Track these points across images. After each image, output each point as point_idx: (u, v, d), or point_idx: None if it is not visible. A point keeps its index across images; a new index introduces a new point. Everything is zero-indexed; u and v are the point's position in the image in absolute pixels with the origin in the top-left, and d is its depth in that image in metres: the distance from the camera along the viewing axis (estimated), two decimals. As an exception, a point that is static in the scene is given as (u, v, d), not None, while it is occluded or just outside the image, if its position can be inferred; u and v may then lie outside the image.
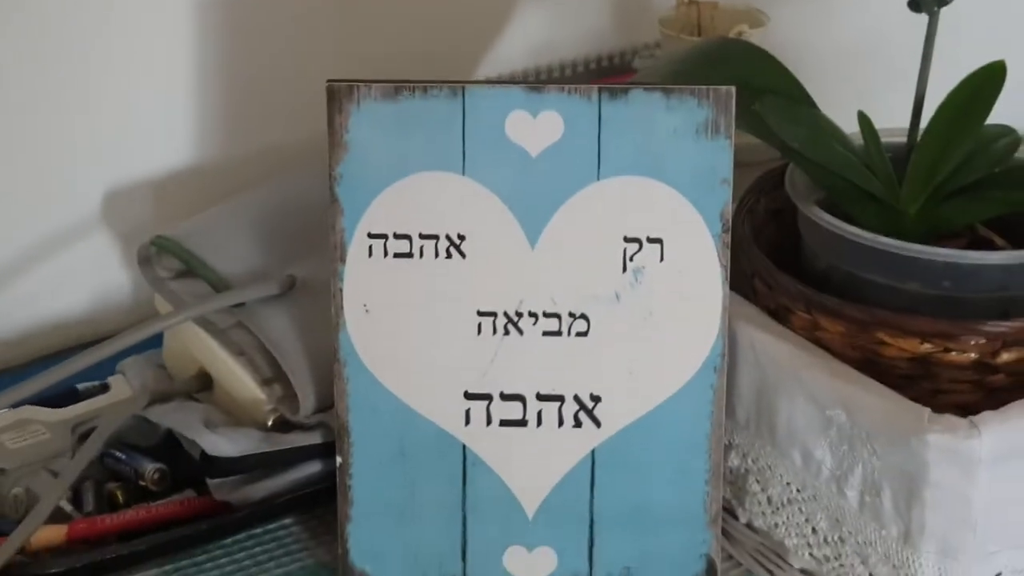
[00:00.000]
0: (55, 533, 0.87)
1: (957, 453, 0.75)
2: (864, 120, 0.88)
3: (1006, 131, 0.91)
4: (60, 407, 0.97)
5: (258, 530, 0.92)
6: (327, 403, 0.90)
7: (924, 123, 0.89)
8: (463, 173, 0.84)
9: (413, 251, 0.84)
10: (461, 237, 0.84)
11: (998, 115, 0.88)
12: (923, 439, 0.76)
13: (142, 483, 0.91)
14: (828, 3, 1.25)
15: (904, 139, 0.90)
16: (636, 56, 1.19)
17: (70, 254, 1.08)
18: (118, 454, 0.93)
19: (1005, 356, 0.82)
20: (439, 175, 0.84)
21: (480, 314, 0.85)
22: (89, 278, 1.09)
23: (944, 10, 0.87)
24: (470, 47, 1.17)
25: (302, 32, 1.11)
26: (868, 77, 1.17)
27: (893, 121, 0.91)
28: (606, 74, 1.20)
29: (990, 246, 0.88)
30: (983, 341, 0.81)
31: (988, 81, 0.86)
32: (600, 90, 0.83)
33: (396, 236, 0.84)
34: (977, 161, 0.89)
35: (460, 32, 1.16)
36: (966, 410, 0.77)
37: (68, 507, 0.90)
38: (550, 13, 1.17)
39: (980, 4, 1.20)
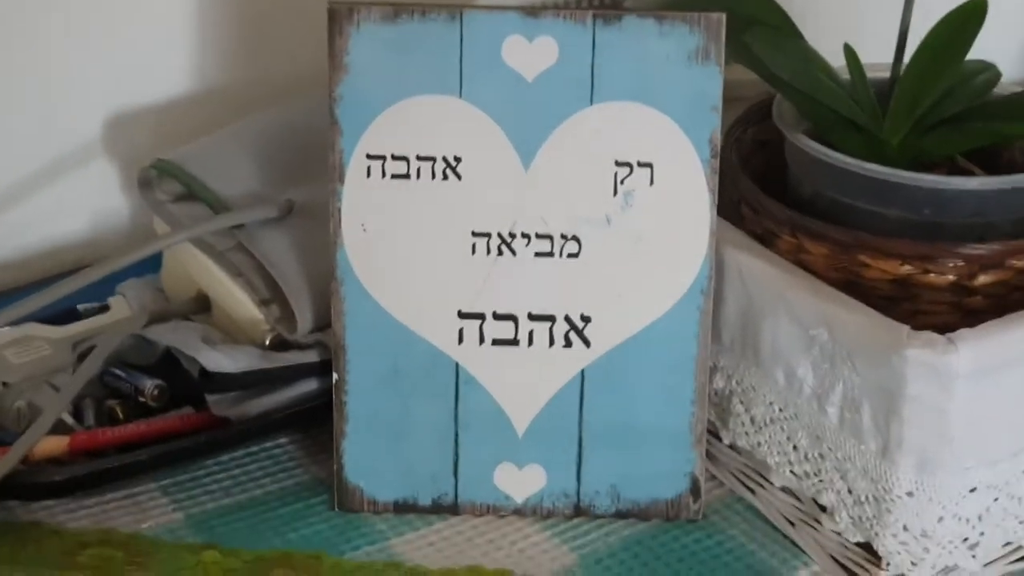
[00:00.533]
0: (57, 444, 0.89)
1: (935, 368, 0.78)
2: (850, 53, 0.91)
3: (985, 67, 0.93)
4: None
5: (254, 448, 0.95)
6: (323, 323, 0.93)
7: (907, 59, 0.92)
8: (460, 96, 0.86)
9: (410, 172, 0.87)
10: (457, 159, 0.86)
11: (978, 51, 0.91)
12: (902, 355, 0.78)
13: (141, 399, 0.93)
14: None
15: (888, 74, 0.92)
16: (627, -4, 1.21)
17: (71, 179, 1.09)
18: (118, 372, 0.94)
19: (982, 278, 0.84)
20: (436, 98, 0.86)
21: (474, 235, 0.87)
22: (90, 203, 1.10)
23: (928, -52, 0.90)
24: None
25: None
26: (854, 14, 1.19)
27: (878, 58, 0.93)
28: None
29: (969, 176, 0.91)
30: (961, 263, 0.84)
31: (969, 18, 0.89)
32: (595, 16, 0.85)
33: (394, 157, 0.86)
34: (957, 95, 0.91)
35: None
36: (944, 330, 0.79)
37: (70, 420, 0.92)
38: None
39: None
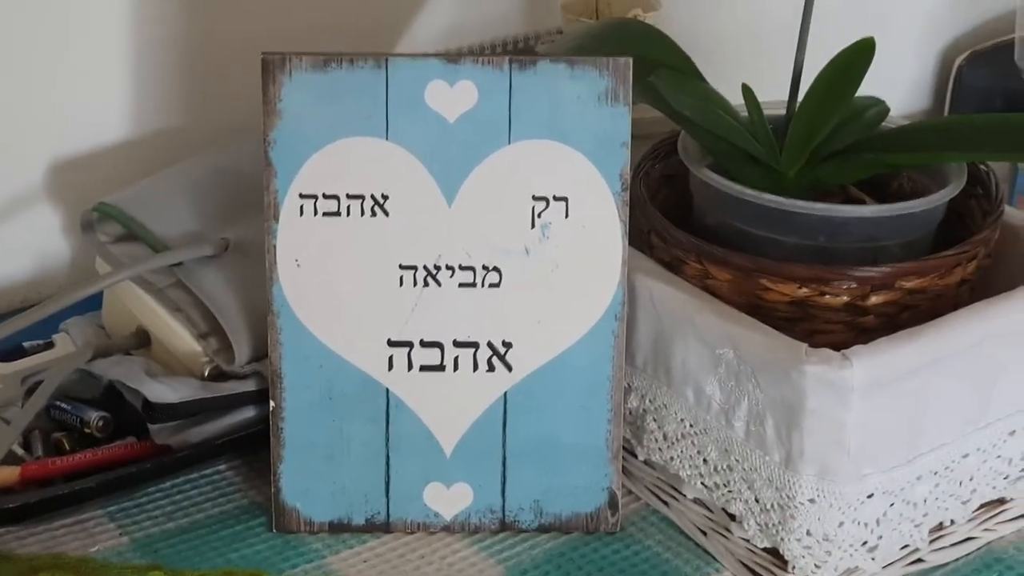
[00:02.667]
0: (9, 474, 0.93)
1: (832, 383, 0.84)
2: (748, 92, 0.97)
3: (875, 102, 1.00)
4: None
5: (195, 474, 0.99)
6: (260, 354, 0.98)
7: (802, 96, 0.98)
8: (386, 138, 0.91)
9: (341, 210, 0.92)
10: (384, 197, 0.92)
11: (871, 86, 0.97)
12: (801, 370, 0.84)
13: (87, 431, 0.97)
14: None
15: (784, 111, 0.98)
16: (539, 41, 1.26)
17: (15, 222, 1.12)
18: (63, 405, 0.99)
19: (874, 299, 0.90)
20: (364, 140, 0.91)
21: (402, 267, 0.92)
22: (33, 245, 1.14)
23: (819, -7, 0.96)
24: (387, 34, 1.23)
25: (236, 5, 1.16)
26: (752, 56, 1.25)
27: (774, 96, 0.99)
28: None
29: (861, 204, 0.97)
30: (854, 285, 0.90)
31: (859, 56, 0.95)
32: (511, 61, 0.90)
33: (325, 196, 0.91)
34: (849, 128, 0.97)
35: (374, 15, 1.22)
36: (840, 348, 0.85)
37: (19, 451, 0.96)
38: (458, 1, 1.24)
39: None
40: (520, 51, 1.27)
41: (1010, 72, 1.42)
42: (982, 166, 0.99)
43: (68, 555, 0.92)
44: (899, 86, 1.46)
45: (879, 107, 0.99)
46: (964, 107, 1.44)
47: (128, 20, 1.12)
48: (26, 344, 1.05)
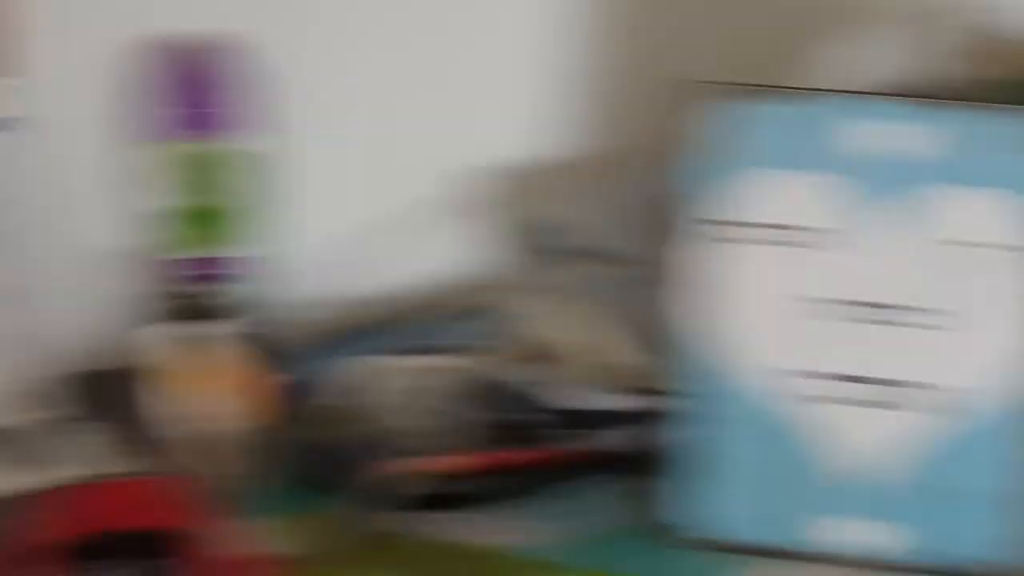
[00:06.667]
0: (462, 460, 0.97)
1: None
2: None
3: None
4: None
5: (606, 481, 0.99)
6: (671, 374, 0.96)
7: None
8: (804, 171, 0.91)
9: (752, 239, 0.92)
10: (808, 230, 0.91)
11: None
12: None
13: (519, 430, 0.99)
14: None
15: None
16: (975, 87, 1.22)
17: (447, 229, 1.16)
18: (477, 405, 1.01)
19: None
20: (780, 172, 0.91)
21: (817, 301, 0.92)
22: (450, 253, 1.17)
23: None
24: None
25: (647, 32, 1.16)
26: None
27: None
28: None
29: None
30: None
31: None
32: (955, 106, 0.89)
33: (741, 225, 0.92)
34: None
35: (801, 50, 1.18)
36: None
37: (447, 441, 0.99)
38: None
39: None
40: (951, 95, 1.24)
41: None
42: None
43: (489, 546, 0.94)
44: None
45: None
46: None
47: (542, 46, 1.14)
48: (440, 343, 1.07)
